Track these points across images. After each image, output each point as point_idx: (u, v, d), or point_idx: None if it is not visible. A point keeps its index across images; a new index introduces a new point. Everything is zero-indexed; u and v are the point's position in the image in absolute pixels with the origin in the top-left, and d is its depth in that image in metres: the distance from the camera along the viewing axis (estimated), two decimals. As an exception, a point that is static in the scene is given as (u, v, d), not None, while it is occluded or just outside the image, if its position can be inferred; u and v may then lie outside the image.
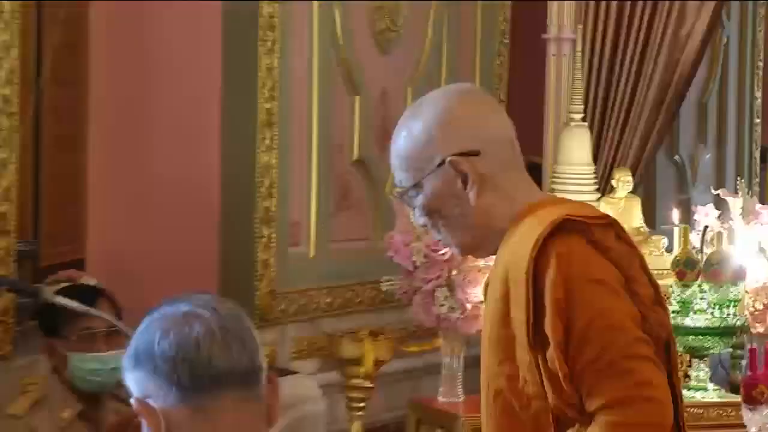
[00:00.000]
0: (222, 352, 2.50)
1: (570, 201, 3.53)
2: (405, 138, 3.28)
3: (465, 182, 3.22)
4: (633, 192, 5.48)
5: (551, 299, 3.12)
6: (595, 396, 3.10)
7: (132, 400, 2.54)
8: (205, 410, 2.52)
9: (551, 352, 3.11)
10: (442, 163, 3.22)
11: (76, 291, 4.67)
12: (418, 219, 3.34)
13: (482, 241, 3.32)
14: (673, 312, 4.86)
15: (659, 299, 3.30)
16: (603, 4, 6.56)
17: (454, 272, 5.13)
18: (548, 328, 3.12)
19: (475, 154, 3.24)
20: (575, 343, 3.12)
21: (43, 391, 4.87)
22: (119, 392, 4.90)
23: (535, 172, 6.47)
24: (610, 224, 3.29)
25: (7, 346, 5.32)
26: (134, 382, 2.56)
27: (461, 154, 3.23)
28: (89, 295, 4.66)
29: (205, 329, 2.49)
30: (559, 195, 5.64)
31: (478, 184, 3.21)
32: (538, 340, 3.13)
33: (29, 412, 4.84)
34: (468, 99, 3.41)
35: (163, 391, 2.52)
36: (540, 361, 3.13)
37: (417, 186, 3.26)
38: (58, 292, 4.55)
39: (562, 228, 3.14)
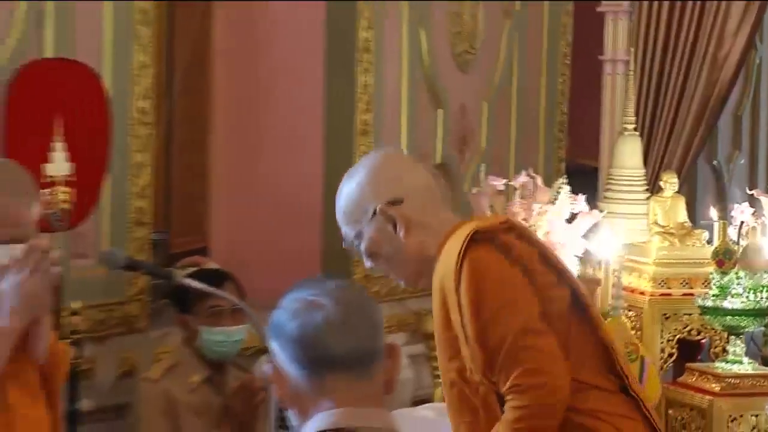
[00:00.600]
0: (338, 339, 2.53)
1: (480, 218, 3.79)
2: (344, 198, 3.38)
3: (395, 225, 3.30)
4: (678, 192, 5.40)
5: (467, 300, 3.19)
6: (501, 382, 3.19)
7: (267, 365, 2.60)
8: (321, 386, 2.55)
9: (472, 345, 3.19)
10: (375, 213, 3.29)
11: (206, 275, 4.70)
12: (366, 263, 3.42)
13: (420, 270, 3.38)
14: (713, 296, 4.83)
15: (563, 280, 3.34)
16: (652, 30, 6.52)
17: (523, 258, 5.08)
18: (468, 324, 3.20)
19: (400, 201, 3.31)
20: (485, 334, 3.19)
21: (175, 358, 4.90)
22: (240, 361, 4.94)
23: (592, 175, 6.42)
24: (511, 227, 3.37)
25: (143, 321, 5.35)
26: (274, 348, 2.62)
27: (388, 203, 3.30)
28: (218, 278, 4.70)
29: (324, 318, 2.52)
30: (613, 195, 5.61)
31: (405, 225, 3.29)
32: (465, 336, 3.19)
33: (163, 376, 4.85)
34: (389, 158, 3.52)
35: (289, 363, 2.58)
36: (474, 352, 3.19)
37: (358, 236, 3.35)
38: (190, 276, 4.57)
39: (474, 239, 3.21)
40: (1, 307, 3.76)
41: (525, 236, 3.36)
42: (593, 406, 3.28)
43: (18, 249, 3.67)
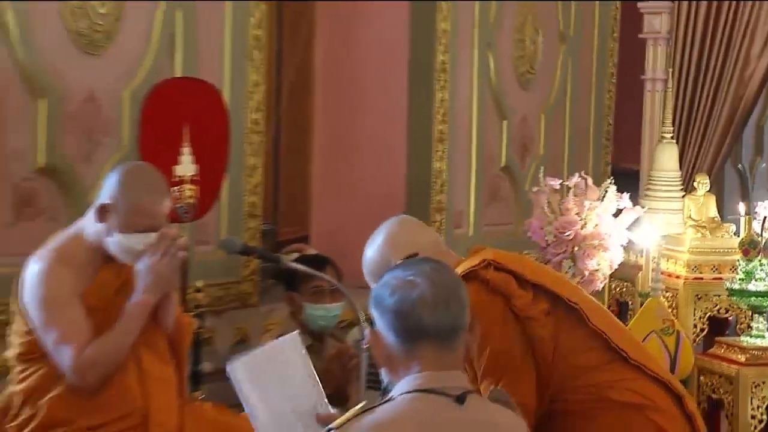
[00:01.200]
0: (430, 314, 2.58)
1: (468, 258, 3.53)
2: (369, 260, 3.48)
3: None
4: (708, 191, 5.33)
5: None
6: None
7: (368, 330, 2.74)
8: (412, 352, 2.62)
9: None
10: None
11: (310, 260, 4.72)
12: None
13: None
14: (739, 280, 4.78)
15: (539, 293, 3.34)
16: (687, 53, 6.45)
17: (575, 248, 5.05)
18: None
19: (415, 255, 3.28)
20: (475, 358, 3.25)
21: (282, 329, 4.88)
22: (337, 332, 4.94)
23: (634, 177, 6.35)
24: (488, 264, 3.35)
25: (254, 298, 5.37)
26: (374, 316, 2.68)
27: (406, 257, 3.28)
28: (319, 263, 4.71)
29: (419, 295, 2.58)
30: (653, 194, 5.57)
31: None
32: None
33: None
34: (402, 223, 3.57)
35: (386, 331, 2.64)
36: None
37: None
38: (297, 261, 4.59)
39: (464, 279, 3.12)
40: (137, 284, 3.80)
41: (500, 267, 3.36)
42: (606, 378, 3.26)
43: (152, 237, 3.71)
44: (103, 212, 3.75)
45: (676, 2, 6.44)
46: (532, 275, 3.37)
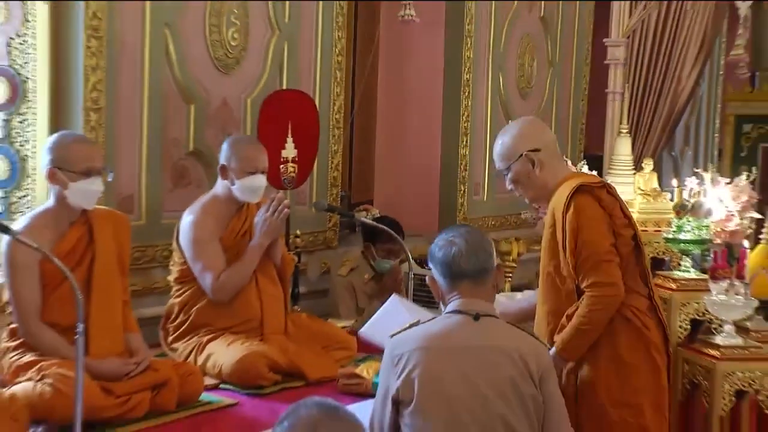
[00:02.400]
0: (465, 261, 2.72)
1: (584, 175, 3.55)
2: (501, 144, 3.30)
3: (534, 164, 3.22)
4: (652, 170, 5.29)
5: (569, 228, 3.12)
6: (584, 280, 3.12)
7: (427, 276, 2.85)
8: (454, 288, 2.77)
9: (568, 254, 3.12)
10: (521, 155, 3.22)
11: (380, 219, 4.76)
12: (508, 186, 3.33)
13: (541, 196, 3.31)
14: (673, 232, 4.72)
15: (630, 224, 3.26)
16: (637, 73, 6.39)
17: (559, 209, 5.04)
18: (568, 242, 3.13)
19: (537, 150, 3.23)
20: (578, 250, 3.13)
21: (355, 263, 4.92)
22: (397, 271, 4.91)
23: (599, 160, 6.31)
24: (603, 186, 3.26)
25: (335, 242, 5.39)
26: (431, 266, 2.81)
27: (530, 150, 3.22)
28: (391, 224, 4.68)
29: (457, 250, 2.72)
30: (614, 171, 5.53)
31: (539, 166, 3.22)
32: (565, 248, 3.14)
33: (348, 274, 4.87)
34: (531, 122, 3.43)
35: (438, 275, 2.80)
36: (568, 259, 3.14)
37: (507, 169, 3.27)
38: (369, 217, 4.62)
39: (578, 190, 3.14)
40: (255, 232, 3.82)
41: (611, 192, 3.26)
42: (632, 303, 3.20)
43: (261, 178, 3.86)
44: (223, 171, 3.83)
45: (630, 38, 6.37)
46: (627, 210, 3.28)
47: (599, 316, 3.12)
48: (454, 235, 2.76)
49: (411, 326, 2.75)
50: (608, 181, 5.21)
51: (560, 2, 7.06)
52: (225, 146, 3.88)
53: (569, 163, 5.10)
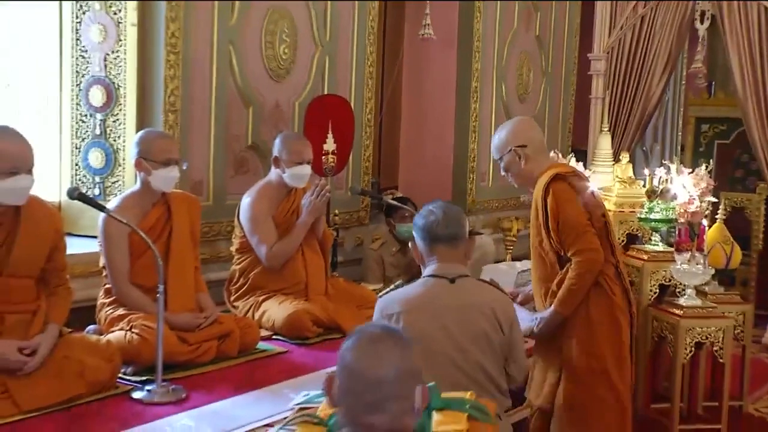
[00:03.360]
0: (442, 228, 2.65)
1: (560, 165, 3.41)
2: (497, 138, 3.23)
3: (520, 158, 3.15)
4: (628, 162, 5.20)
5: (550, 210, 3.06)
6: (569, 249, 3.05)
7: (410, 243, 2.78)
8: (432, 251, 2.69)
9: (552, 233, 3.07)
10: (510, 150, 3.16)
11: (399, 199, 4.72)
12: (502, 172, 3.28)
13: (527, 183, 3.23)
14: (645, 212, 4.66)
15: (599, 204, 3.19)
16: (616, 82, 6.29)
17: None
18: (550, 222, 3.07)
19: (524, 146, 3.16)
20: (560, 227, 3.06)
21: (384, 239, 4.89)
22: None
23: (584, 153, 6.23)
24: (576, 175, 3.20)
25: (366, 219, 5.36)
26: (414, 233, 2.74)
27: (518, 146, 3.16)
28: (404, 201, 4.67)
29: (434, 219, 2.66)
30: (596, 163, 5.45)
31: (524, 159, 3.15)
32: (546, 227, 3.08)
33: (378, 247, 4.85)
34: (522, 122, 3.32)
35: (419, 240, 2.71)
36: (550, 235, 3.07)
37: (500, 159, 3.21)
38: (394, 199, 4.57)
39: (554, 178, 3.08)
40: (302, 211, 3.79)
41: (582, 179, 3.20)
42: (604, 270, 3.13)
43: (306, 168, 3.79)
44: (276, 161, 3.81)
45: (609, 53, 6.28)
46: (596, 192, 3.22)
47: (586, 278, 3.06)
48: (434, 207, 2.71)
49: (396, 287, 2.69)
50: (593, 171, 5.18)
51: (552, 23, 6.99)
52: (277, 141, 3.86)
53: (559, 155, 5.06)
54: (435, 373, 2.41)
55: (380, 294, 2.71)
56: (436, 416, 2.22)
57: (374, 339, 1.73)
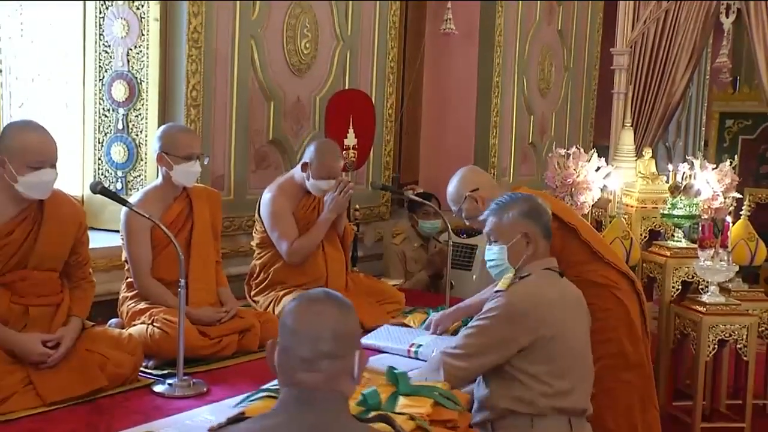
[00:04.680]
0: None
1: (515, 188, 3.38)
2: (450, 192, 3.30)
3: (476, 201, 3.20)
4: (650, 157, 5.16)
5: None
6: None
7: (518, 232, 2.69)
8: (547, 247, 2.74)
9: None
10: (466, 197, 3.22)
11: (422, 195, 4.69)
12: (466, 222, 3.32)
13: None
14: (668, 208, 4.65)
15: (556, 217, 3.07)
16: (639, 76, 6.23)
17: (573, 189, 4.94)
18: None
19: (476, 189, 3.22)
20: None
21: (406, 233, 4.88)
22: (436, 236, 4.88)
23: (606, 149, 6.18)
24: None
25: (387, 214, 5.36)
26: (520, 223, 2.69)
27: (471, 191, 3.22)
28: (427, 196, 4.64)
29: (547, 215, 2.80)
30: (619, 158, 5.42)
31: (481, 201, 3.18)
32: None
33: (400, 242, 4.84)
34: (467, 170, 3.36)
35: (536, 229, 2.71)
36: None
37: (460, 209, 3.27)
38: (418, 195, 4.57)
39: None
40: (324, 208, 3.79)
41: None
42: (588, 269, 3.13)
43: (329, 183, 3.69)
44: (304, 167, 3.75)
45: (633, 48, 6.22)
46: (559, 213, 3.15)
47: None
48: (538, 201, 2.72)
49: (522, 278, 2.65)
50: (615, 166, 5.16)
51: (574, 17, 6.94)
52: (312, 149, 3.74)
53: (581, 151, 5.04)
54: (581, 373, 2.61)
55: (497, 290, 2.65)
56: (402, 400, 2.23)
57: (314, 299, 1.74)
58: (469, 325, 2.67)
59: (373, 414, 2.01)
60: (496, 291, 2.65)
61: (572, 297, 2.69)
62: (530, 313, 2.54)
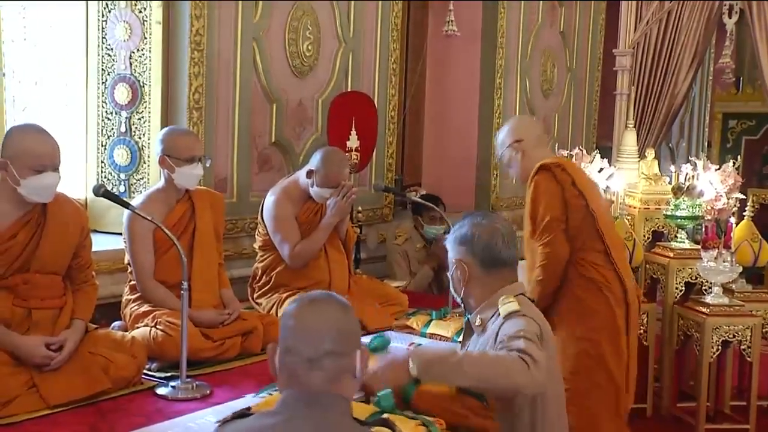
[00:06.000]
0: (506, 249, 2.40)
1: (553, 157, 3.41)
2: (499, 136, 3.38)
3: (517, 152, 3.27)
4: (653, 158, 5.15)
5: (529, 199, 3.21)
6: (537, 240, 3.19)
7: (453, 258, 2.44)
8: (492, 274, 2.40)
9: (530, 221, 3.22)
10: (509, 145, 3.29)
11: (428, 197, 4.68)
12: (505, 169, 3.41)
13: (525, 177, 3.29)
14: (671, 209, 4.64)
15: (581, 195, 3.20)
16: (642, 78, 6.24)
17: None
18: (529, 211, 3.21)
19: (520, 140, 3.27)
20: (533, 216, 3.20)
21: (409, 234, 4.87)
22: (442, 237, 4.85)
23: (609, 150, 6.18)
24: (559, 165, 3.23)
25: (390, 216, 5.34)
26: (455, 250, 2.43)
27: (515, 141, 3.27)
28: (432, 199, 4.63)
29: (500, 236, 2.40)
30: (622, 159, 5.41)
31: (521, 154, 3.25)
32: (529, 216, 3.22)
33: (403, 243, 4.84)
34: (519, 119, 3.56)
35: (471, 258, 2.40)
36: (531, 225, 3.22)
37: (502, 155, 3.34)
38: (424, 198, 4.56)
39: (539, 169, 3.18)
40: (327, 212, 3.78)
41: (566, 170, 3.23)
42: (589, 258, 3.19)
43: (331, 191, 3.70)
44: (309, 173, 3.74)
45: (635, 49, 6.22)
46: (580, 183, 3.25)
47: (549, 269, 3.16)
48: (491, 219, 2.42)
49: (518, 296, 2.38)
50: (617, 168, 5.15)
51: (577, 18, 6.94)
52: (318, 156, 3.72)
53: (583, 152, 5.03)
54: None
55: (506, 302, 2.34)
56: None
57: (315, 299, 1.75)
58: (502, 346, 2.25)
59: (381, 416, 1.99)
60: (505, 316, 2.32)
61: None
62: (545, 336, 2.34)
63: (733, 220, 4.46)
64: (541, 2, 6.40)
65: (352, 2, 4.84)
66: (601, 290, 3.18)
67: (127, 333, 3.01)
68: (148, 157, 3.95)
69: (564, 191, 3.18)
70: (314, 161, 3.73)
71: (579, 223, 3.19)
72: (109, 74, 4.02)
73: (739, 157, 5.81)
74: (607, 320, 3.19)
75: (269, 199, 3.80)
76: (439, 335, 3.48)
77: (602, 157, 5.02)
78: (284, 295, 3.72)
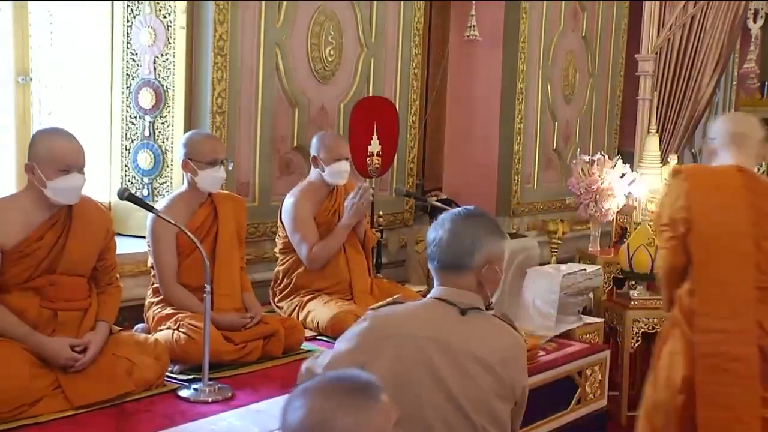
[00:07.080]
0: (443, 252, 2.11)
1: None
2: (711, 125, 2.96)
3: (712, 148, 2.96)
4: (676, 164, 5.12)
5: None
6: None
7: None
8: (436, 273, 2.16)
9: None
10: (706, 140, 2.98)
11: (444, 201, 4.69)
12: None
13: None
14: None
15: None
16: (665, 82, 6.20)
17: (597, 196, 4.92)
18: None
19: (714, 138, 2.93)
20: None
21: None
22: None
23: (631, 156, 6.15)
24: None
25: (410, 221, 5.33)
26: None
27: (710, 138, 2.97)
28: (449, 203, 4.65)
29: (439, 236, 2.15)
30: (644, 164, 5.37)
31: (710, 152, 2.95)
32: None
33: (423, 251, 4.83)
34: (736, 117, 3.05)
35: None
36: None
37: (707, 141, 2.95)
38: (438, 201, 4.55)
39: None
40: (345, 213, 3.80)
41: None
42: None
43: (347, 164, 3.82)
44: (314, 161, 3.83)
45: (658, 54, 6.19)
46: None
47: None
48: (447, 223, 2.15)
49: (392, 303, 2.07)
50: (640, 173, 5.13)
51: (599, 23, 6.91)
52: (314, 141, 3.90)
53: (605, 158, 5.01)
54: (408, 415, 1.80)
55: (373, 307, 2.07)
56: None
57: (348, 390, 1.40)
58: None
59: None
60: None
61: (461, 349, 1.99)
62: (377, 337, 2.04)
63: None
64: (563, 6, 6.38)
65: (374, 5, 4.86)
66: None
67: (150, 335, 3.04)
68: (172, 161, 3.99)
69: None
70: (313, 148, 3.86)
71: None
72: (133, 79, 4.07)
73: (763, 162, 5.75)
74: None
75: (288, 201, 3.83)
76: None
77: (624, 163, 5.01)
78: (305, 298, 3.74)
